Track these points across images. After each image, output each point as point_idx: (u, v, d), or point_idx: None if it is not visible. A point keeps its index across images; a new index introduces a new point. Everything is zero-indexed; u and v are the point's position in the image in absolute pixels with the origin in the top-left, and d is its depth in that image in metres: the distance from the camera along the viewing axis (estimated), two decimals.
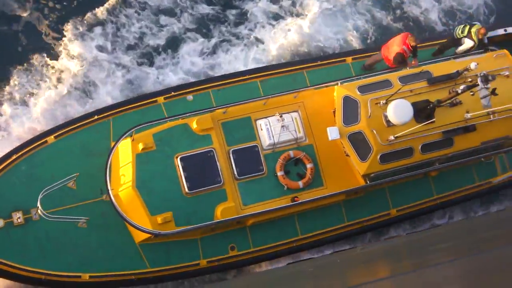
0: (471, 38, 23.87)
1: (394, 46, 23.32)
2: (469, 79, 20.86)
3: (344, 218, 23.35)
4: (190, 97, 22.61)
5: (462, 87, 20.02)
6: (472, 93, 20.34)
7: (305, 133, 22.40)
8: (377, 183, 22.18)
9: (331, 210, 23.14)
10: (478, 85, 19.62)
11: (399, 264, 22.28)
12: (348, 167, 22.32)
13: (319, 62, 24.33)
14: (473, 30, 23.91)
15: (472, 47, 23.92)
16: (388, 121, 21.11)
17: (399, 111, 20.56)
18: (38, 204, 20.96)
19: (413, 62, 23.24)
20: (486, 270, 18.11)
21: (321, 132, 22.15)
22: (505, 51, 23.05)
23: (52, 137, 21.91)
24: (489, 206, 26.69)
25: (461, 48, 24.13)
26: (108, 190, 20.89)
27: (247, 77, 23.64)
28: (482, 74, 19.58)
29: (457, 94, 20.35)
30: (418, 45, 23.48)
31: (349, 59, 24.52)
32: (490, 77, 19.47)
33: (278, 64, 25.15)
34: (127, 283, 21.68)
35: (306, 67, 24.02)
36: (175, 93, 22.93)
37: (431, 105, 21.04)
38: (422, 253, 22.32)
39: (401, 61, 23.18)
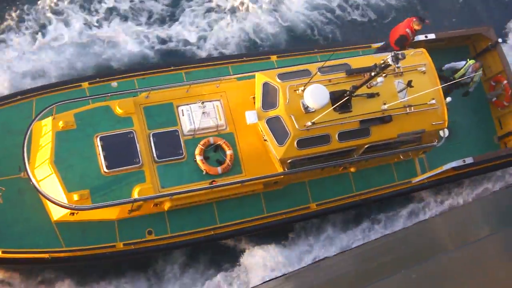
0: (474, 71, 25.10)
1: (400, 29, 24.48)
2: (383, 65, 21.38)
3: (264, 210, 23.51)
4: (114, 83, 22.82)
5: (376, 69, 20.50)
6: (384, 74, 20.89)
7: (226, 121, 22.75)
8: (295, 171, 22.47)
9: (251, 200, 23.39)
10: (390, 65, 20.07)
11: None
12: (268, 156, 22.64)
13: (244, 58, 24.80)
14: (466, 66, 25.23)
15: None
16: (306, 108, 21.56)
17: (315, 94, 21.05)
18: None
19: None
20: None
21: (242, 121, 22.49)
22: (423, 49, 23.70)
23: None
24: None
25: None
26: (25, 166, 20.88)
27: (171, 68, 23.97)
28: (392, 54, 20.04)
29: (371, 77, 20.89)
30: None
31: (274, 57, 24.98)
32: (400, 56, 19.93)
33: (204, 58, 25.73)
34: (42, 262, 21.50)
35: (231, 62, 24.46)
36: (100, 79, 23.17)
37: (348, 92, 21.48)
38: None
39: (401, 42, 24.35)
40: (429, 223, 26.40)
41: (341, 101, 21.18)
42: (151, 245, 22.52)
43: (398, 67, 20.71)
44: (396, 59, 19.90)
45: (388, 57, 20.09)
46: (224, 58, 25.03)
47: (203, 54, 27.12)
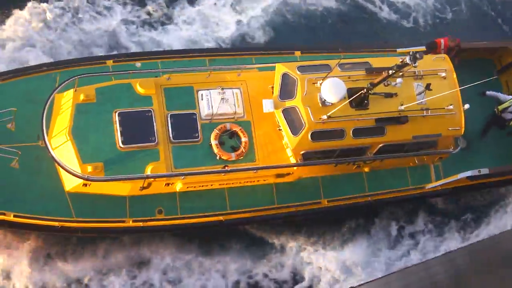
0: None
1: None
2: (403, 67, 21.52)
3: (275, 200, 23.69)
4: (138, 64, 23.35)
5: (394, 66, 20.71)
6: (401, 73, 21.08)
7: (245, 109, 23.07)
8: (308, 163, 22.64)
9: (262, 190, 23.62)
10: (408, 64, 20.26)
11: None
12: (282, 147, 22.91)
13: (268, 51, 25.13)
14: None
15: None
16: (323, 102, 21.80)
17: (332, 87, 21.36)
18: None
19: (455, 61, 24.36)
20: None
21: (259, 110, 22.83)
22: (445, 55, 23.88)
23: None
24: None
25: None
26: (44, 135, 21.36)
27: (196, 54, 24.40)
28: (411, 53, 20.23)
29: (389, 75, 21.09)
30: (456, 48, 25.17)
31: (298, 53, 25.28)
32: (418, 55, 20.11)
33: (229, 47, 26.10)
34: (51, 229, 21.91)
35: (255, 54, 24.85)
36: (125, 58, 23.66)
37: (365, 89, 21.69)
38: None
39: (431, 47, 24.90)
40: None
41: (356, 95, 21.32)
42: (160, 224, 22.80)
43: (415, 66, 20.59)
44: (414, 58, 20.07)
45: (406, 57, 20.22)
46: (249, 49, 25.53)
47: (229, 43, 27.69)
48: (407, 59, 20.19)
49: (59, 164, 21.34)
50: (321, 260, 25.75)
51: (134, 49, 26.80)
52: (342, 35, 29.56)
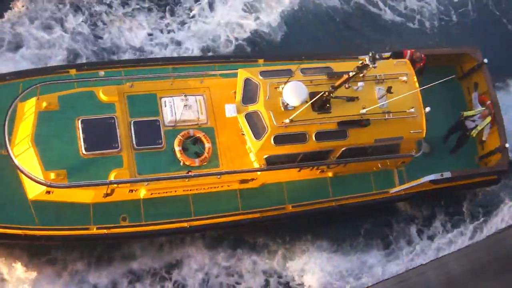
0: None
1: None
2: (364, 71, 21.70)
3: (239, 206, 23.73)
4: (101, 72, 23.37)
5: (354, 68, 20.95)
6: (362, 75, 21.30)
7: (208, 116, 23.22)
8: (271, 168, 22.76)
9: (227, 196, 23.72)
10: (368, 65, 20.49)
11: None
12: (246, 153, 23.06)
13: (231, 59, 25.29)
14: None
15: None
16: (285, 106, 21.99)
17: (293, 90, 21.57)
18: None
19: None
20: None
21: (223, 117, 22.98)
22: (407, 60, 24.20)
23: None
24: None
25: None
26: (6, 143, 21.34)
27: (160, 62, 24.54)
28: (370, 54, 20.48)
29: (350, 77, 21.32)
30: (420, 62, 25.59)
31: (261, 61, 25.48)
32: (377, 56, 20.38)
33: (192, 56, 26.26)
34: (16, 238, 21.86)
35: (218, 62, 24.99)
36: (88, 67, 23.74)
37: (326, 92, 21.91)
38: None
39: (397, 55, 25.47)
40: None
41: (317, 97, 21.51)
42: (124, 231, 22.74)
43: (374, 67, 20.80)
44: (373, 59, 20.30)
45: (366, 58, 20.48)
46: (212, 58, 25.74)
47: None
48: (367, 60, 20.39)
49: (21, 171, 21.30)
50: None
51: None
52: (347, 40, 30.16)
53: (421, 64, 25.58)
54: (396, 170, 25.57)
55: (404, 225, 27.42)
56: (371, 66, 20.51)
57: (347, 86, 21.98)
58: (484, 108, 25.72)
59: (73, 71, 23.70)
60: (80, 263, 24.28)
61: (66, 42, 27.26)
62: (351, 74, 21.20)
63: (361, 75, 21.63)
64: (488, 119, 25.62)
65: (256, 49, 28.62)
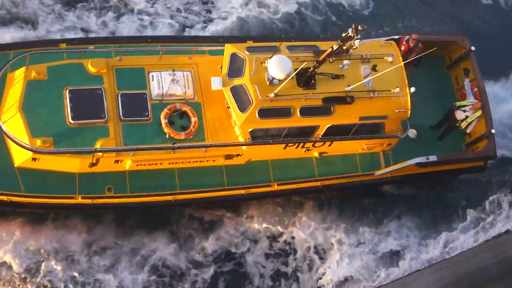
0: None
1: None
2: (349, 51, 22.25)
3: (224, 182, 23.96)
4: (91, 47, 23.74)
5: (338, 41, 21.29)
6: (348, 50, 21.65)
7: (195, 91, 23.52)
8: (256, 143, 23.01)
9: (212, 171, 23.99)
10: (351, 36, 20.86)
11: None
12: (231, 128, 23.32)
13: (221, 41, 25.61)
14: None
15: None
16: (271, 81, 22.29)
17: (278, 63, 21.92)
18: None
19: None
20: None
21: (210, 93, 23.37)
22: (392, 41, 24.51)
23: None
24: None
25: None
26: None
27: (149, 40, 24.96)
28: (353, 25, 20.83)
29: (334, 50, 21.69)
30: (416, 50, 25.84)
31: (250, 42, 25.75)
32: (360, 27, 20.72)
33: (182, 36, 26.75)
34: (1, 204, 22.11)
35: (207, 42, 25.38)
36: (79, 42, 24.10)
37: (311, 69, 22.24)
38: None
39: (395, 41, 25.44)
40: None
41: (300, 68, 21.76)
42: (109, 201, 22.99)
43: (358, 38, 21.15)
44: (356, 30, 20.66)
45: (349, 30, 20.85)
46: (201, 38, 26.05)
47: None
48: (349, 32, 20.74)
49: (8, 137, 21.61)
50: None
51: None
52: None
53: (418, 51, 25.73)
54: (383, 154, 25.69)
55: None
56: (354, 37, 20.79)
57: (331, 60, 22.15)
58: (477, 101, 25.76)
59: (63, 45, 24.01)
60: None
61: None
62: (334, 47, 21.45)
63: (346, 50, 21.94)
64: (479, 112, 25.76)
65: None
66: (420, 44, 25.76)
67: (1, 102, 22.36)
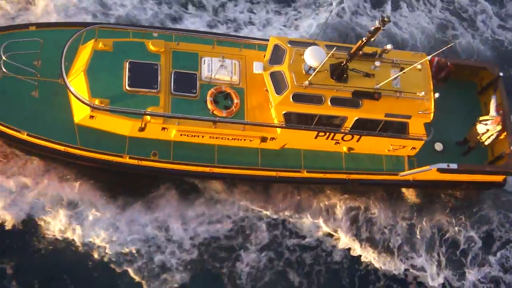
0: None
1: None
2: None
3: (258, 163, 26.57)
4: (155, 34, 27.09)
5: (367, 33, 24.02)
6: (373, 39, 24.30)
7: (240, 79, 26.43)
8: (289, 126, 25.66)
9: (249, 152, 26.61)
10: (379, 28, 23.44)
11: None
12: (269, 113, 26.00)
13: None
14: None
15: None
16: (307, 71, 25.10)
17: (314, 52, 24.71)
18: (1, 64, 25.02)
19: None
20: None
21: (254, 83, 26.32)
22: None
23: (34, 27, 26.49)
24: None
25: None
26: (62, 72, 25.03)
27: (206, 34, 28.16)
28: (380, 18, 23.56)
29: (364, 43, 24.34)
30: (446, 69, 28.39)
31: None
32: (386, 18, 23.40)
33: (235, 34, 29.98)
34: (57, 152, 25.16)
35: (256, 40, 28.36)
36: (144, 28, 27.46)
37: (344, 63, 25.02)
38: None
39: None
40: None
41: (329, 53, 24.42)
42: (152, 165, 25.76)
43: (384, 29, 23.69)
44: (382, 21, 23.36)
45: (376, 21, 23.59)
46: (251, 38, 28.92)
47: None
48: (377, 23, 23.45)
49: (71, 92, 24.74)
50: None
51: None
52: None
53: (447, 70, 28.17)
54: (408, 159, 27.88)
55: None
56: (381, 28, 23.43)
57: (361, 53, 24.84)
58: (497, 116, 27.95)
59: (130, 30, 27.32)
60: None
61: None
62: (364, 39, 24.16)
63: (379, 54, 25.35)
64: (499, 126, 27.79)
65: None
66: (449, 63, 28.09)
67: (69, 67, 25.53)
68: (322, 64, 24.33)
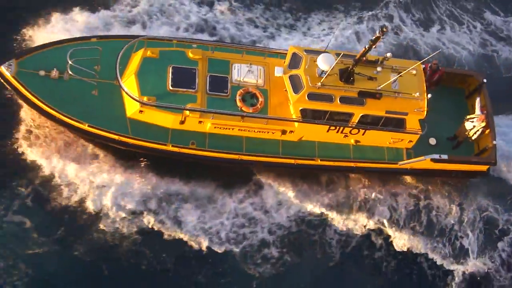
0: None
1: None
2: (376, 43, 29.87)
3: (279, 151, 31.74)
4: (195, 46, 32.41)
5: (369, 41, 29.14)
6: (375, 45, 29.29)
7: (265, 82, 31.61)
8: (304, 120, 30.82)
9: (271, 143, 31.61)
10: (379, 37, 28.36)
11: None
12: (288, 110, 31.11)
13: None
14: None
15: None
16: (320, 74, 30.19)
17: (325, 58, 29.79)
18: (68, 68, 30.41)
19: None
20: None
21: (276, 85, 31.37)
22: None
23: (95, 38, 31.94)
24: None
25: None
26: (117, 75, 30.35)
27: (236, 45, 33.48)
28: (379, 28, 28.57)
29: (367, 50, 29.29)
30: (439, 72, 33.61)
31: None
32: (384, 28, 28.47)
33: (261, 46, 35.35)
34: (112, 141, 30.33)
35: (280, 53, 33.56)
36: (186, 41, 32.78)
37: (351, 67, 30.23)
38: None
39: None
40: None
41: (337, 59, 29.62)
42: (191, 152, 30.85)
43: (383, 37, 28.74)
44: (381, 31, 28.42)
45: (377, 30, 28.68)
46: (274, 50, 34.08)
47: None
48: (377, 33, 28.51)
49: (125, 91, 29.98)
50: None
51: None
52: None
53: (439, 74, 33.23)
54: (406, 151, 32.96)
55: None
56: (381, 38, 28.48)
57: (364, 59, 29.97)
58: (481, 114, 33.01)
59: (175, 41, 32.59)
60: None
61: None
62: (367, 47, 29.34)
63: (380, 62, 30.17)
64: (483, 123, 32.83)
65: None
66: (440, 67, 33.25)
67: (122, 72, 30.89)
68: (331, 68, 29.37)
